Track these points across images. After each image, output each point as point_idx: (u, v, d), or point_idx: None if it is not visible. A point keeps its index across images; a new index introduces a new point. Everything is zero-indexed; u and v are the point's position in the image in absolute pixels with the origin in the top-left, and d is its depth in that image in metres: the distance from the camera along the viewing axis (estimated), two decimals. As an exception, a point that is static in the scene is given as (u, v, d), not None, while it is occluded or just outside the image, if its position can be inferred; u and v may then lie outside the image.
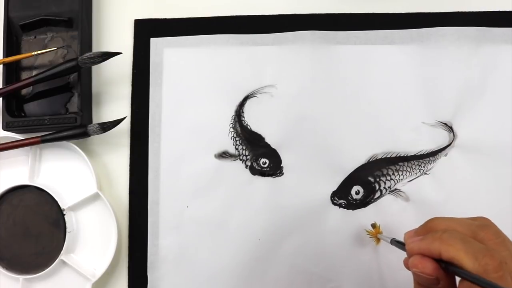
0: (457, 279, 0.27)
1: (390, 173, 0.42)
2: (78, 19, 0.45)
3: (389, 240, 0.36)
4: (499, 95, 0.42)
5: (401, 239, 0.33)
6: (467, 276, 0.25)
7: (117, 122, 0.44)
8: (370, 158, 0.43)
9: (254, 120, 0.44)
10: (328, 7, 0.45)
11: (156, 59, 0.45)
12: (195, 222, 0.44)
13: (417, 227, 0.31)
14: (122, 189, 0.45)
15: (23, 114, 0.46)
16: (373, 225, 0.41)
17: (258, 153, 0.44)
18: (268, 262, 0.43)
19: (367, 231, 0.41)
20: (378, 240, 0.41)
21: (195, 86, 0.45)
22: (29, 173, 0.45)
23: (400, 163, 0.42)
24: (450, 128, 0.42)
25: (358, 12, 0.44)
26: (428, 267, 0.27)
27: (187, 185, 0.44)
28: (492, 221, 0.28)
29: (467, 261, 0.25)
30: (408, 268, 0.28)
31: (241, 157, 0.44)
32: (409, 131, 0.43)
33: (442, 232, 0.27)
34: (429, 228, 0.29)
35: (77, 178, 0.45)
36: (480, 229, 0.27)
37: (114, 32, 0.47)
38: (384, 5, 0.44)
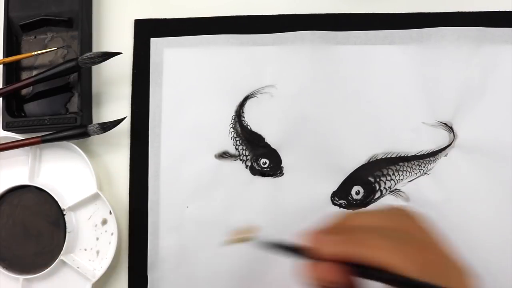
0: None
1: (390, 173, 0.42)
2: (78, 19, 0.45)
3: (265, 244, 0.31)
4: (499, 95, 0.42)
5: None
6: (389, 279, 0.23)
7: (117, 122, 0.44)
8: (370, 158, 0.43)
9: (254, 120, 0.44)
10: (328, 7, 0.45)
11: (156, 59, 0.45)
12: (195, 222, 0.44)
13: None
14: (122, 189, 0.45)
15: (23, 114, 0.46)
16: None
17: (258, 153, 0.44)
18: (268, 262, 0.43)
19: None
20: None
21: (195, 86, 0.45)
22: (29, 173, 0.45)
23: (400, 163, 0.42)
24: (450, 128, 0.42)
25: (358, 12, 0.44)
26: (333, 275, 0.24)
27: (187, 185, 0.44)
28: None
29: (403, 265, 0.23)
30: None
31: (241, 157, 0.44)
32: (409, 131, 0.43)
33: (360, 232, 0.25)
34: (341, 226, 0.28)
35: (77, 178, 0.45)
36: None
37: (114, 32, 0.47)
38: (384, 5, 0.44)
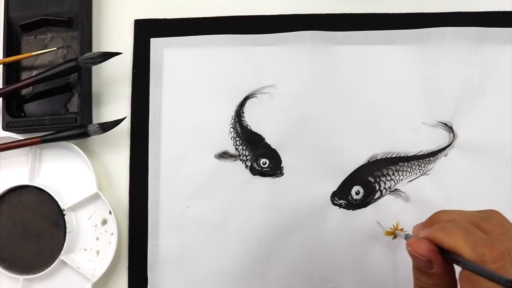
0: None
1: (390, 173, 0.42)
2: (78, 19, 0.45)
3: (404, 236, 0.36)
4: (499, 95, 0.42)
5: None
6: (462, 263, 0.25)
7: (117, 122, 0.44)
8: (370, 158, 0.43)
9: (254, 120, 0.44)
10: (328, 7, 0.45)
11: (156, 59, 0.45)
12: (195, 222, 0.44)
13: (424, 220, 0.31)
14: (122, 189, 0.45)
15: (23, 114, 0.46)
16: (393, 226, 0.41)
17: (258, 153, 0.44)
18: (268, 262, 0.43)
19: (386, 232, 0.41)
20: (395, 236, 0.40)
21: (195, 86, 0.45)
22: (29, 173, 0.45)
23: (400, 163, 0.42)
24: (450, 128, 0.42)
25: (358, 12, 0.44)
26: (421, 248, 0.27)
27: (187, 185, 0.44)
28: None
29: (465, 250, 0.25)
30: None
31: (241, 157, 0.44)
32: (409, 131, 0.43)
33: (445, 222, 0.28)
34: (435, 220, 0.30)
35: (77, 178, 0.45)
36: (483, 220, 0.27)
37: (114, 32, 0.47)
38: (384, 5, 0.44)
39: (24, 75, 0.46)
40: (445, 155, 0.42)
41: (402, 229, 0.40)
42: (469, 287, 0.25)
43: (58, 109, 0.45)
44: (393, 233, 0.40)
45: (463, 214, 0.28)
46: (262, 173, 0.44)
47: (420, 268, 0.28)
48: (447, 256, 0.26)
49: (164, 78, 0.45)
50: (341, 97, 0.43)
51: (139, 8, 0.47)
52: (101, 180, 0.45)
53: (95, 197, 0.44)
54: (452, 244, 0.26)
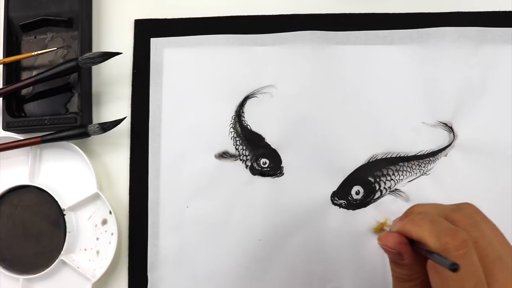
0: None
1: (390, 173, 0.42)
2: (78, 19, 0.45)
3: (389, 229, 0.36)
4: (499, 95, 0.42)
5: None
6: (424, 251, 0.26)
7: (117, 122, 0.44)
8: (370, 158, 0.43)
9: (254, 120, 0.44)
10: (328, 7, 0.45)
11: (156, 59, 0.45)
12: (195, 223, 0.44)
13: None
14: (122, 189, 0.45)
15: (23, 114, 0.46)
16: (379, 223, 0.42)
17: (258, 153, 0.44)
18: (268, 262, 0.43)
19: (373, 229, 0.42)
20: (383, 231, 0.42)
21: (195, 86, 0.45)
22: (29, 173, 0.45)
23: (400, 163, 0.42)
24: (450, 128, 0.42)
25: (358, 12, 0.44)
26: (390, 241, 0.28)
27: (187, 185, 0.44)
28: (477, 207, 0.29)
29: (430, 240, 0.26)
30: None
31: (241, 157, 0.44)
32: (409, 131, 0.43)
33: (415, 214, 0.29)
34: (409, 213, 0.31)
35: (77, 178, 0.45)
36: (453, 211, 0.28)
37: (114, 32, 0.47)
38: (384, 5, 0.44)
39: (24, 75, 0.46)
40: (445, 155, 0.42)
41: (389, 225, 0.41)
42: (435, 274, 0.26)
43: (58, 109, 0.45)
44: (381, 229, 0.41)
45: (435, 207, 0.30)
46: (262, 173, 0.44)
47: (393, 260, 0.29)
48: (416, 247, 0.28)
49: (164, 78, 0.45)
50: (341, 97, 0.43)
51: (139, 8, 0.47)
52: (101, 180, 0.45)
53: (95, 197, 0.44)
54: (419, 234, 0.27)
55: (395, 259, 0.29)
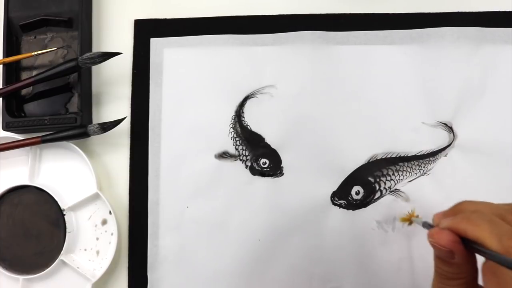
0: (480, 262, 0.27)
1: (390, 173, 0.42)
2: (78, 19, 0.45)
3: (422, 223, 0.36)
4: (499, 95, 0.42)
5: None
6: (488, 254, 0.25)
7: (117, 122, 0.44)
8: (370, 158, 0.43)
9: (254, 120, 0.44)
10: (328, 7, 0.45)
11: (156, 59, 0.45)
12: (195, 223, 0.44)
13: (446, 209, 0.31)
14: (122, 189, 0.45)
15: (23, 114, 0.46)
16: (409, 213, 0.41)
17: (258, 153, 0.44)
18: (268, 262, 0.43)
19: (401, 218, 0.41)
20: (411, 222, 0.41)
21: (195, 86, 0.45)
22: (29, 173, 0.45)
23: (400, 163, 0.42)
24: (450, 128, 0.42)
25: (358, 12, 0.44)
26: (443, 239, 0.27)
27: (187, 185, 0.44)
28: None
29: (490, 241, 0.25)
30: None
31: (241, 157, 0.44)
32: (409, 131, 0.43)
33: (470, 212, 0.28)
34: (458, 209, 0.30)
35: (77, 178, 0.45)
36: (509, 212, 0.27)
37: (114, 32, 0.47)
38: (384, 5, 0.44)
39: (24, 75, 0.46)
40: (445, 155, 0.42)
41: (418, 216, 0.40)
42: (492, 277, 0.25)
43: (58, 109, 0.45)
44: (409, 220, 0.40)
45: (488, 206, 0.29)
46: (262, 173, 0.44)
47: (441, 257, 0.28)
48: (469, 246, 0.27)
49: (164, 78, 0.45)
50: (341, 97, 0.43)
51: (139, 8, 0.47)
52: (101, 180, 0.45)
53: (95, 197, 0.44)
54: (477, 235, 0.26)
55: (445, 257, 0.28)
